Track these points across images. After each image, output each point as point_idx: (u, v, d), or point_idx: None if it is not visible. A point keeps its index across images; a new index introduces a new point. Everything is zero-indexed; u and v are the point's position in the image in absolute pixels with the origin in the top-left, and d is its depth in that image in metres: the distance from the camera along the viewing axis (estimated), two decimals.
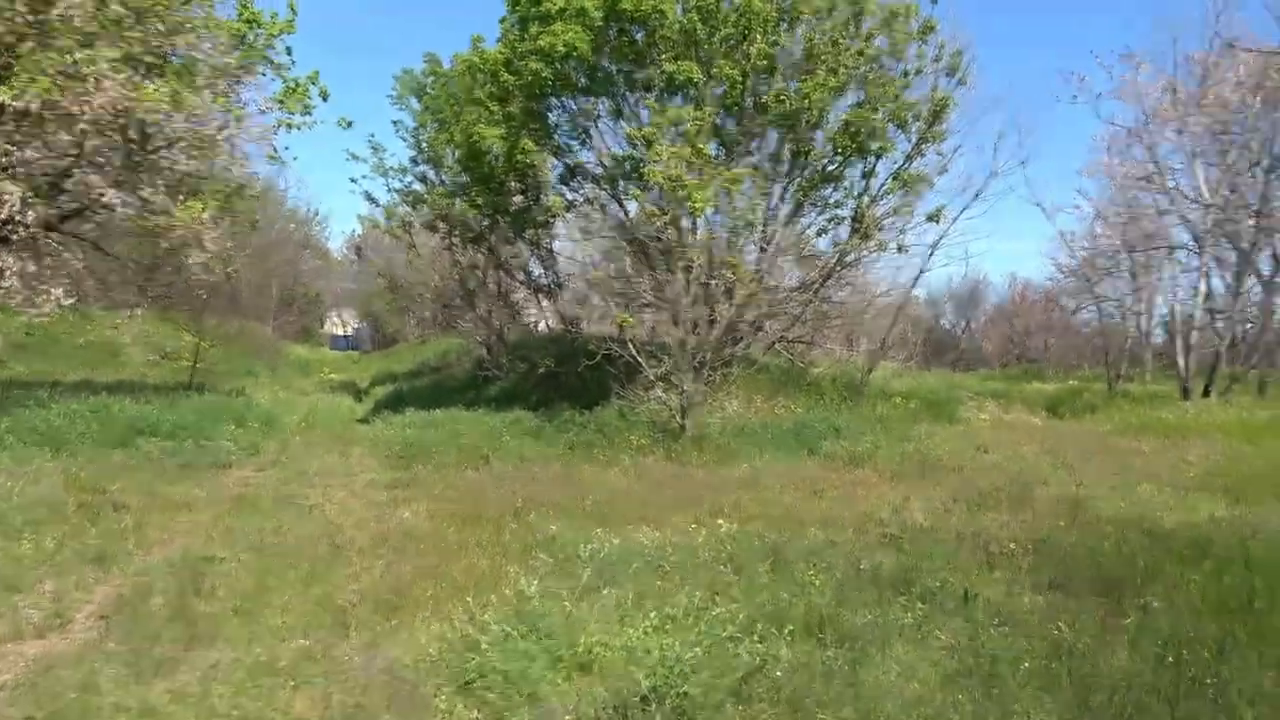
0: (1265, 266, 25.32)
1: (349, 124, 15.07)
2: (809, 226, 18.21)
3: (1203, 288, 20.84)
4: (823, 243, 18.26)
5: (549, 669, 4.42)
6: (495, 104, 16.25)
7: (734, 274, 12.88)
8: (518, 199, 18.02)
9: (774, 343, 19.09)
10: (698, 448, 12.46)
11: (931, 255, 18.56)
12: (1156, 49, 38.69)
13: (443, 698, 4.36)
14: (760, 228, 16.65)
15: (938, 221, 18.01)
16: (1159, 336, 30.73)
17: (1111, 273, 26.38)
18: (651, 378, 13.07)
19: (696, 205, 12.19)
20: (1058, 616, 5.60)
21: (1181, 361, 19.58)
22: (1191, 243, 24.28)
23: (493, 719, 4.16)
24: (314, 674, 4.68)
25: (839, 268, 18.07)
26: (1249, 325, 22.08)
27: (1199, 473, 11.23)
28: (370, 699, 4.39)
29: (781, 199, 17.35)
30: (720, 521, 8.18)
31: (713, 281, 13.77)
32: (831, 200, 17.81)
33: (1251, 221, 22.03)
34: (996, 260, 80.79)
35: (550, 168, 15.78)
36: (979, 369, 42.27)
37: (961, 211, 18.44)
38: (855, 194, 17.69)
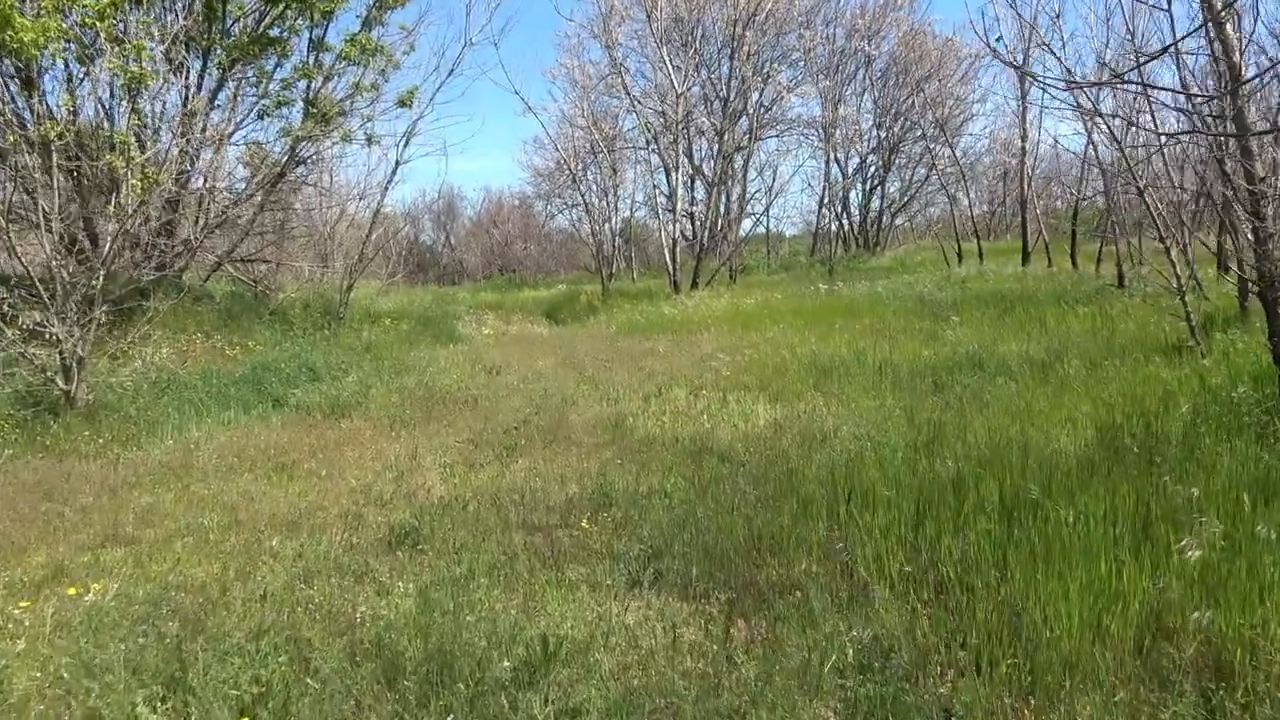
0: (707, 166, 27.05)
1: None
2: (252, 110, 13.99)
3: (677, 187, 21.02)
4: (271, 132, 14.18)
5: None
6: None
7: (123, 161, 8.45)
8: None
9: (219, 264, 14.68)
10: (92, 424, 8.14)
11: (406, 145, 15.58)
12: None
13: None
14: (178, 105, 12.08)
15: (410, 106, 15.06)
16: (623, 237, 31.87)
17: (581, 178, 26.08)
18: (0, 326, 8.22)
19: (21, 37, 7.48)
20: (686, 664, 3.21)
21: (669, 256, 19.54)
22: (653, 143, 24.72)
23: None
24: None
25: (294, 163, 14.21)
26: (714, 221, 23.16)
27: (729, 370, 10.12)
28: None
29: (204, 69, 12.88)
30: (89, 583, 4.45)
31: (97, 173, 9.16)
32: (275, 75, 13.79)
33: (706, 120, 22.81)
34: (470, 177, 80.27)
35: None
36: (464, 283, 41.00)
37: (437, 90, 15.71)
38: (306, 68, 13.88)
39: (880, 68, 28.09)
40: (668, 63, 18.83)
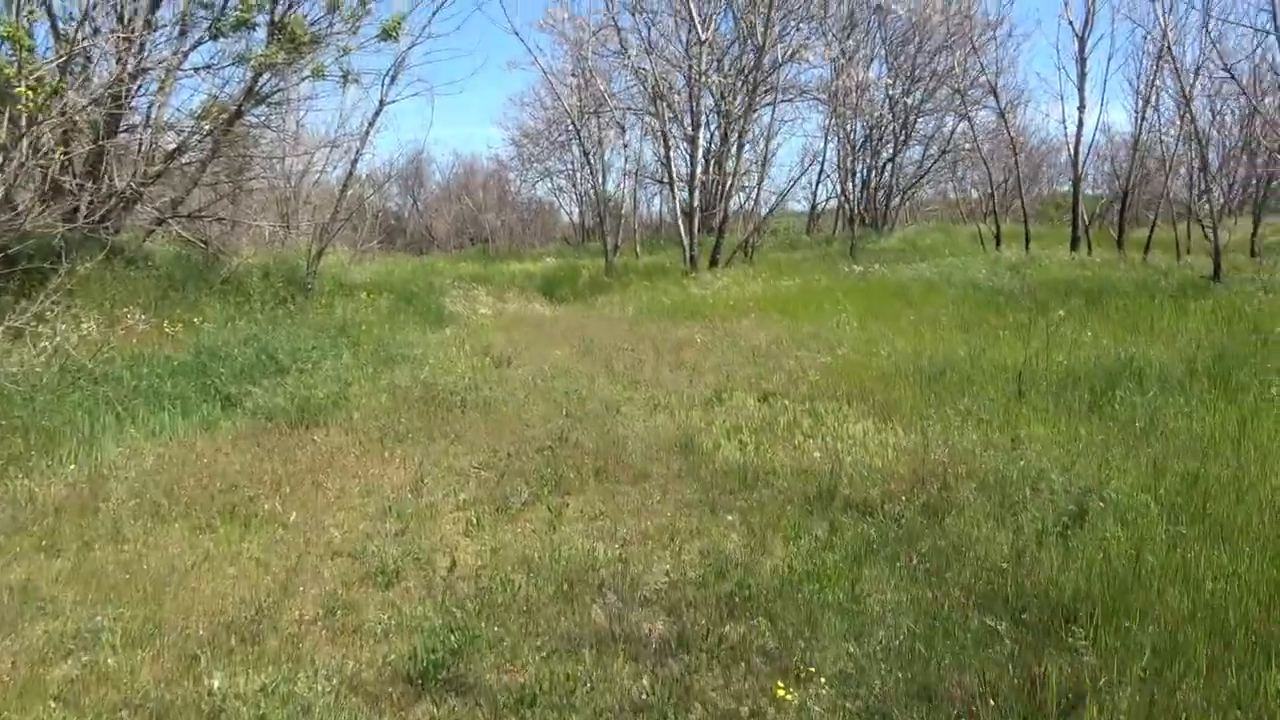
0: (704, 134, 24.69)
1: None
2: (204, 34, 11.45)
3: (695, 151, 18.71)
4: (226, 59, 11.69)
5: None
6: None
7: (13, 69, 6.06)
8: None
9: (161, 220, 12.24)
10: None
11: (392, 82, 13.19)
12: None
13: None
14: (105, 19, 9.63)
15: (395, 38, 12.62)
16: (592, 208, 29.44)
17: (584, 136, 23.63)
18: None
19: None
20: None
21: (683, 229, 17.28)
22: (653, 104, 22.27)
23: None
24: None
25: (252, 101, 11.77)
26: (725, 192, 20.92)
27: (815, 373, 8.03)
28: None
29: None
30: None
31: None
32: None
33: (717, 79, 20.59)
34: (438, 146, 75.73)
35: None
36: (433, 252, 38.37)
37: (431, 16, 13.27)
38: None
39: (899, 29, 25.95)
40: (691, 7, 16.51)
